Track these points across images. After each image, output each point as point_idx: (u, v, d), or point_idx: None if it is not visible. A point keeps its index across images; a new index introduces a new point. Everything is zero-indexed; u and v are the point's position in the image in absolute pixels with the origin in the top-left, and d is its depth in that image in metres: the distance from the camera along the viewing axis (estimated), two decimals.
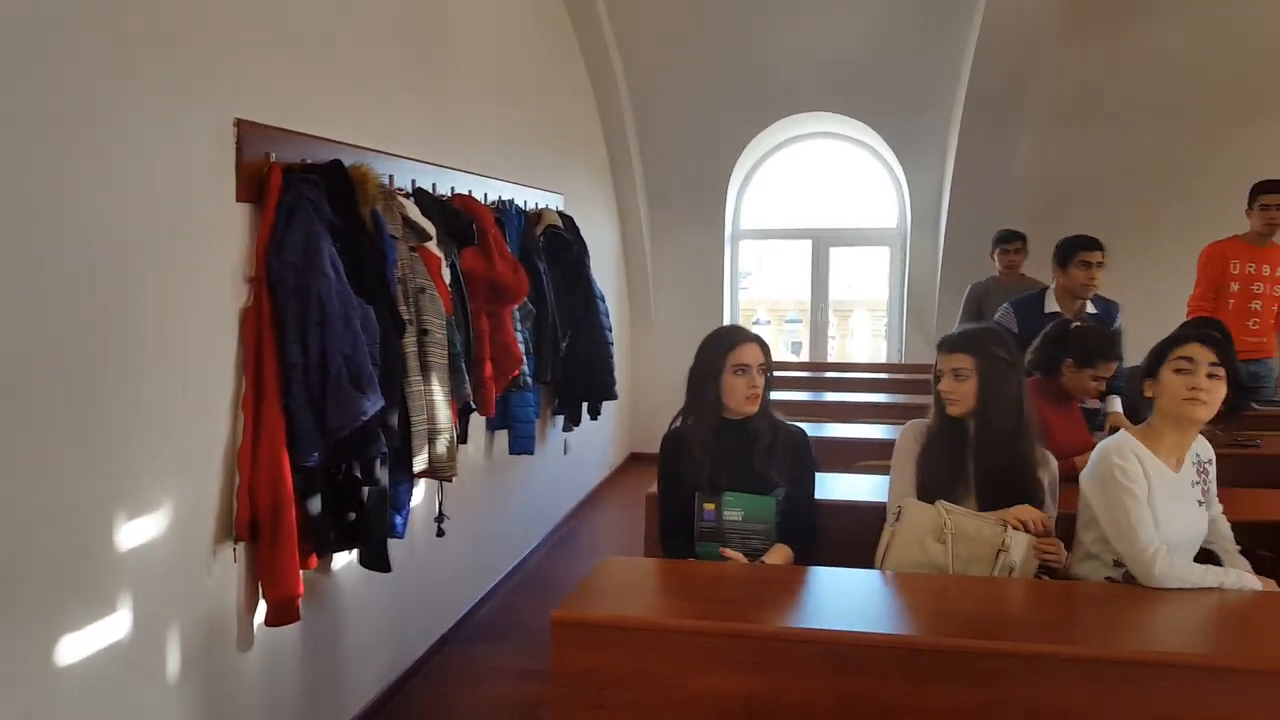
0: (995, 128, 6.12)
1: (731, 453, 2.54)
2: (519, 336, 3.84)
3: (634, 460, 7.24)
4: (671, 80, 6.64)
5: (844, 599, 2.16)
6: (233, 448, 2.41)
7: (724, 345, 2.55)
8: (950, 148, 6.45)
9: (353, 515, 2.60)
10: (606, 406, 5.56)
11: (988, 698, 1.78)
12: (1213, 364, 2.23)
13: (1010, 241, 5.34)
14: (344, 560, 2.97)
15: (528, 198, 4.72)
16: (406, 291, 2.82)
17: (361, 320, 2.44)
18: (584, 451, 5.93)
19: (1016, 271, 5.29)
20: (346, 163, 2.68)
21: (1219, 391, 2.24)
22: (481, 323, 3.51)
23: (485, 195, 4.04)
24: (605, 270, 6.29)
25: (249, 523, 2.39)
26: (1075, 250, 3.92)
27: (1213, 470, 2.44)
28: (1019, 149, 6.27)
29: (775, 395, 4.84)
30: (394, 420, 2.66)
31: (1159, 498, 2.25)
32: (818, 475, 2.69)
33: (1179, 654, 1.81)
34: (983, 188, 6.37)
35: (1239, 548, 2.46)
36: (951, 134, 6.41)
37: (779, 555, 2.47)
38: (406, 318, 2.77)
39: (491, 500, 4.37)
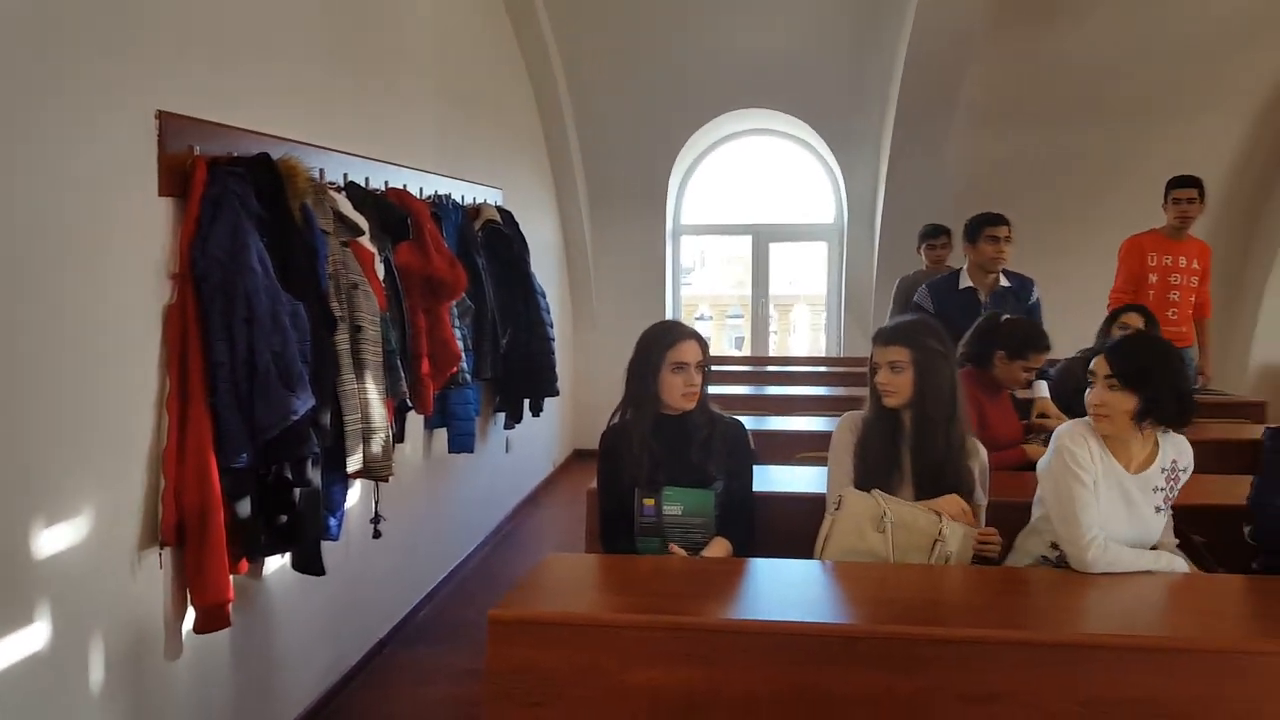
0: (927, 126, 6.23)
1: (670, 447, 2.53)
2: (457, 333, 3.79)
3: (577, 457, 7.21)
4: (611, 75, 6.63)
5: (784, 590, 2.16)
6: (157, 450, 2.34)
7: (663, 342, 2.53)
8: (884, 145, 6.55)
9: (284, 518, 2.54)
10: (549, 403, 5.53)
11: (925, 684, 1.80)
12: (1108, 376, 2.21)
13: (936, 236, 5.48)
14: (277, 564, 2.90)
15: (465, 192, 4.66)
16: (339, 287, 2.75)
17: (291, 317, 2.38)
18: (526, 449, 5.89)
19: (943, 265, 5.41)
20: (275, 156, 2.61)
21: (1125, 403, 2.20)
22: (418, 319, 3.45)
23: (421, 190, 3.98)
24: (546, 266, 6.25)
25: (175, 527, 2.31)
26: (983, 226, 4.11)
27: (1185, 478, 2.35)
28: (949, 147, 6.38)
29: (719, 390, 4.87)
30: (326, 419, 2.60)
31: (1102, 494, 2.23)
32: (759, 467, 2.70)
33: (1109, 635, 1.84)
34: (915, 185, 6.48)
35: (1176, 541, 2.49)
36: (885, 132, 6.50)
37: (718, 548, 2.47)
38: (339, 314, 2.71)
39: (431, 500, 4.31)
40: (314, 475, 2.58)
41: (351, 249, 2.88)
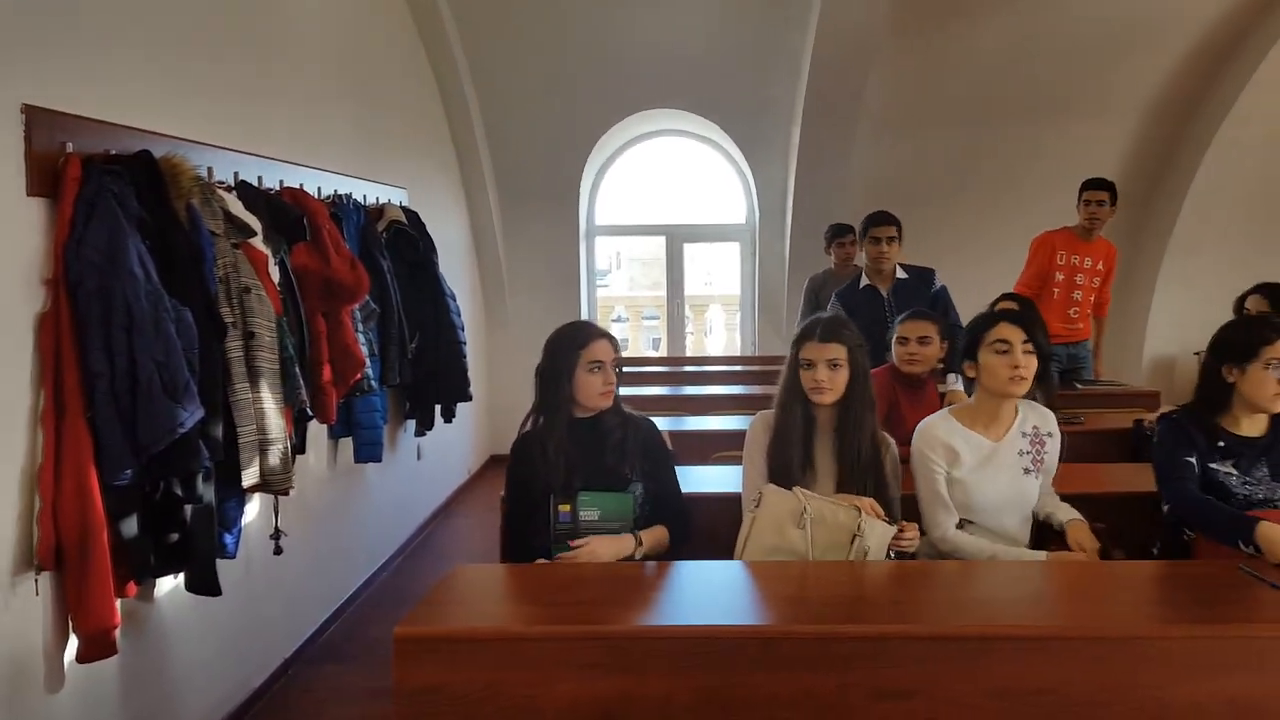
0: (833, 128, 6.31)
1: (584, 451, 2.47)
2: (361, 338, 3.65)
3: (494, 463, 7.08)
4: (519, 73, 6.54)
5: (703, 592, 2.13)
6: (31, 468, 2.18)
7: (576, 342, 2.47)
8: (793, 147, 6.62)
9: (175, 536, 2.40)
10: (462, 409, 5.40)
11: (842, 681, 1.78)
12: (1024, 341, 2.44)
13: (843, 235, 5.56)
14: (170, 585, 2.74)
15: (368, 192, 4.51)
16: (229, 291, 2.61)
17: (176, 323, 2.24)
18: (440, 456, 5.75)
19: (850, 263, 5.49)
20: (157, 153, 2.46)
21: (1033, 365, 2.46)
22: (317, 324, 3.31)
23: (320, 190, 3.83)
24: (456, 268, 6.11)
25: (53, 550, 2.16)
26: (868, 227, 4.22)
27: (1053, 444, 2.57)
28: (857, 148, 6.49)
29: (636, 391, 4.83)
30: (217, 431, 2.46)
31: (969, 469, 2.48)
32: (679, 469, 2.66)
33: (1011, 626, 1.85)
34: (824, 185, 6.57)
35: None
36: (793, 133, 6.57)
37: (655, 533, 2.44)
38: (229, 320, 2.57)
39: (336, 513, 4.16)
40: (205, 490, 2.44)
41: (244, 251, 2.73)
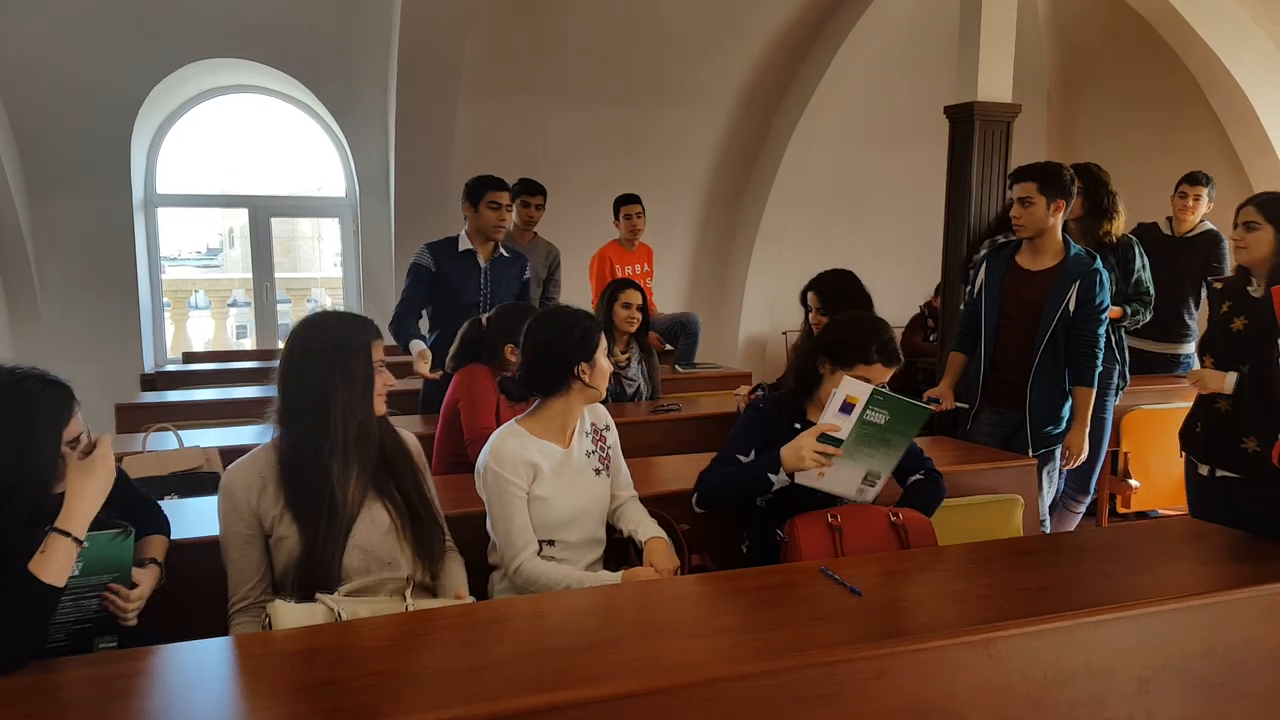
0: (434, 97, 5.81)
1: None
2: None
3: None
4: (28, 12, 5.24)
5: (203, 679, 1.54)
6: None
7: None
8: (390, 114, 6.03)
9: None
10: None
11: None
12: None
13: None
14: None
15: None
16: None
17: None
18: None
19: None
20: None
21: None
22: None
23: None
24: None
25: None
26: (485, 190, 3.87)
27: (612, 436, 2.40)
28: (461, 119, 6.04)
29: (223, 394, 4.07)
30: None
31: (548, 482, 2.20)
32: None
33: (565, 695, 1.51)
34: (429, 157, 6.05)
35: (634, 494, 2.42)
36: (390, 100, 5.98)
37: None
38: None
39: None
40: None
41: None
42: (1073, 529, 4.07)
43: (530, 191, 4.84)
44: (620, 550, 2.35)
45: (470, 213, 3.89)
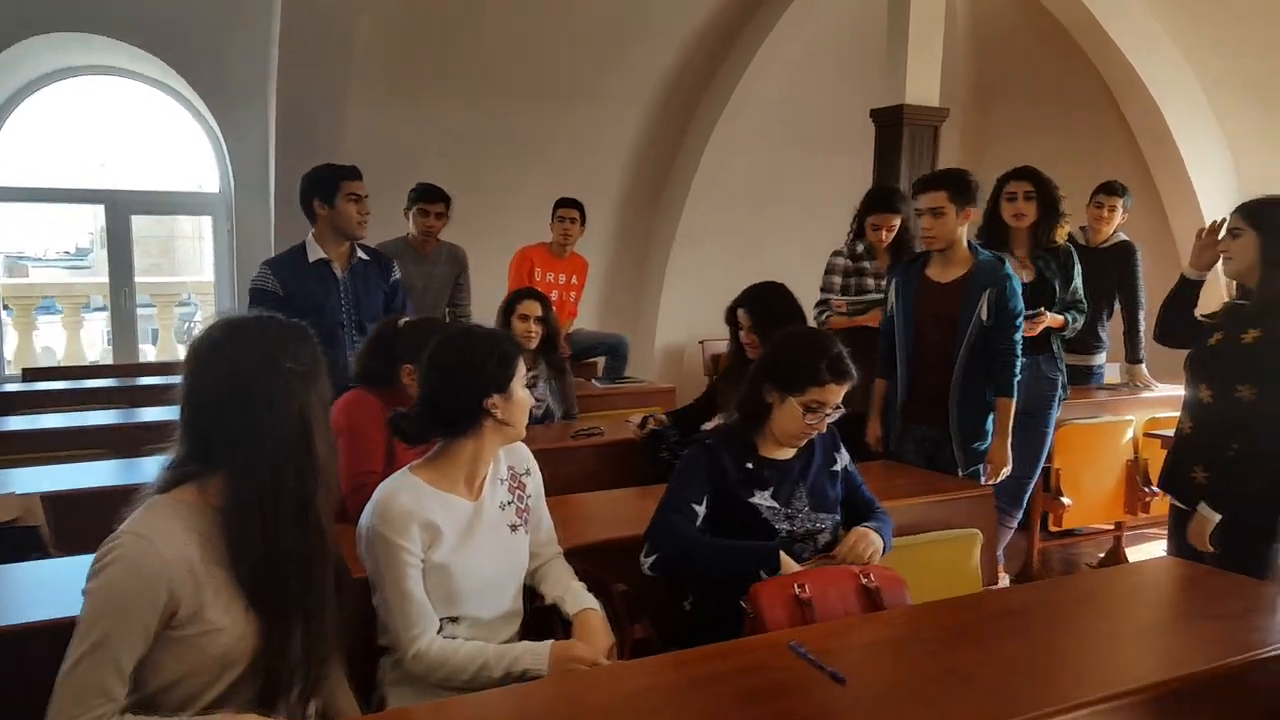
0: (321, 90, 5.30)
1: None
2: None
3: None
4: None
5: None
6: None
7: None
8: (271, 105, 5.47)
9: None
10: None
11: None
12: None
13: (433, 201, 4.70)
14: None
15: None
16: None
17: None
18: None
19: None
20: None
21: None
22: None
23: None
24: None
25: None
26: (339, 180, 3.27)
27: (534, 483, 1.99)
28: (352, 110, 5.53)
29: (73, 421, 3.50)
30: None
31: (454, 545, 1.77)
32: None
33: None
34: (315, 152, 5.47)
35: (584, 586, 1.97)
36: (270, 89, 5.42)
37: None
38: None
39: None
40: None
41: None
42: (1003, 545, 3.88)
43: (429, 198, 4.32)
44: (543, 621, 1.95)
45: (324, 211, 3.25)
